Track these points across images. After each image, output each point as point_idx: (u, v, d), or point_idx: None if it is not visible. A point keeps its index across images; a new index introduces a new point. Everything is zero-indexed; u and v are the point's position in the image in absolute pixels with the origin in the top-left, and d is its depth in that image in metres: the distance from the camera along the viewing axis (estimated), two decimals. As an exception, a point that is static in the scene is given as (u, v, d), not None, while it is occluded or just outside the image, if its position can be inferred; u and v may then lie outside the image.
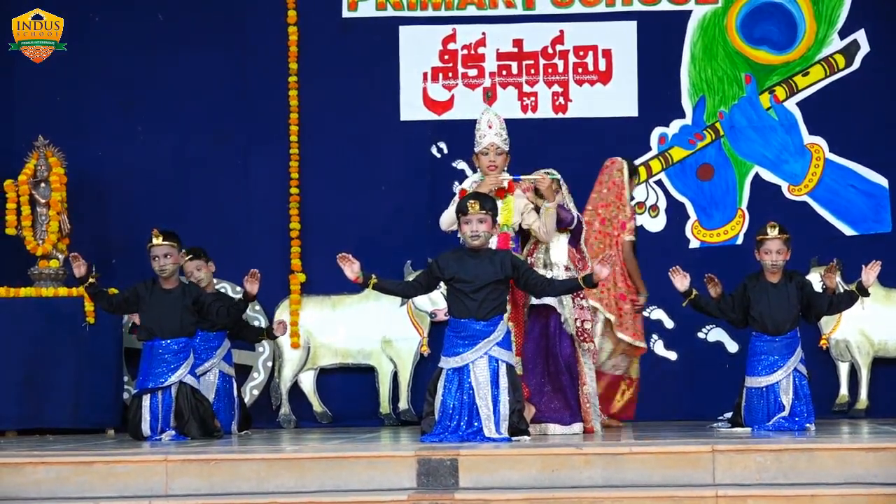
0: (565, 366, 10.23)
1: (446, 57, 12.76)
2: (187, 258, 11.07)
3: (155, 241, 10.48)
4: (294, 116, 12.71)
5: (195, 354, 10.63)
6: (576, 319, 10.35)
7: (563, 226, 10.29)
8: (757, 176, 12.52)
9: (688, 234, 12.54)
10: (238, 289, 11.84)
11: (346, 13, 12.80)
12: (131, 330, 11.66)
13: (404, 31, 12.77)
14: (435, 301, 11.63)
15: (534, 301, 10.12)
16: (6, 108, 12.76)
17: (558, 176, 10.36)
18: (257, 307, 12.05)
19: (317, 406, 12.44)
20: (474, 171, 10.53)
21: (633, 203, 11.46)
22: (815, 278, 11.01)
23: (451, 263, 9.49)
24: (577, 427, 10.16)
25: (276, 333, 11.47)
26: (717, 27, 12.63)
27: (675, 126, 12.61)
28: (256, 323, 12.19)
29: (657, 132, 12.60)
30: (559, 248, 10.32)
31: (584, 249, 10.54)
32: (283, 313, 12.42)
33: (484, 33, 12.75)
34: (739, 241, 12.36)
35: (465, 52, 12.75)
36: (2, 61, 12.75)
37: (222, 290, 12.05)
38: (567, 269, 10.27)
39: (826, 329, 12.00)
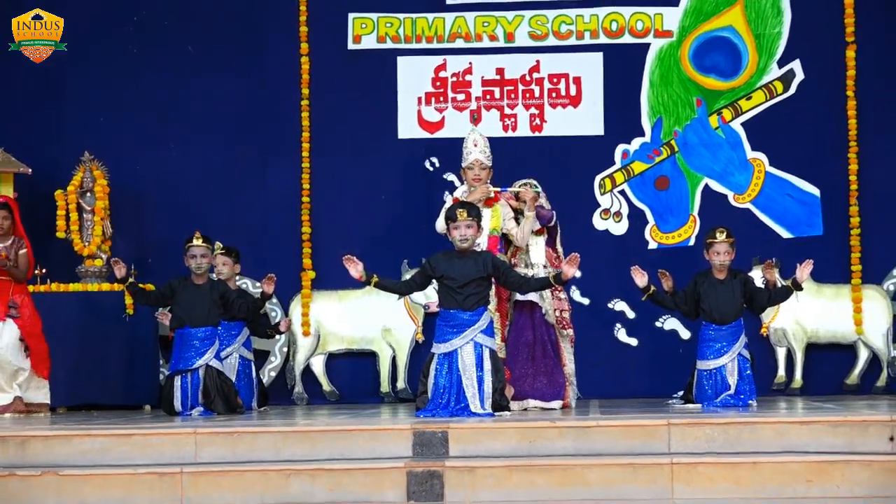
0: (550, 351, 10.29)
1: (438, 83, 12.75)
2: (220, 252, 11.09)
3: (195, 241, 10.53)
4: (306, 135, 12.71)
5: (219, 341, 10.67)
6: (555, 310, 10.40)
7: (545, 222, 10.35)
8: (707, 186, 12.52)
9: (647, 236, 12.54)
10: (257, 285, 11.84)
11: (350, 45, 12.80)
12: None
13: (401, 61, 12.77)
14: (428, 295, 11.62)
15: (518, 297, 10.19)
16: (56, 128, 12.76)
17: (539, 189, 10.43)
18: (274, 300, 12.05)
19: (326, 386, 12.46)
20: (462, 182, 10.56)
21: None
22: (756, 275, 11.02)
23: (441, 263, 9.57)
24: (556, 404, 10.20)
25: (281, 329, 11.52)
26: (672, 57, 12.64)
27: (636, 143, 12.60)
28: (273, 314, 12.22)
29: (620, 148, 12.60)
30: (537, 249, 10.39)
31: (560, 249, 10.57)
32: (296, 306, 12.44)
33: (470, 63, 12.74)
34: (691, 242, 12.37)
35: (455, 79, 12.75)
36: (53, 86, 12.78)
37: (243, 286, 12.08)
38: (545, 267, 10.31)
39: (766, 319, 12.02)
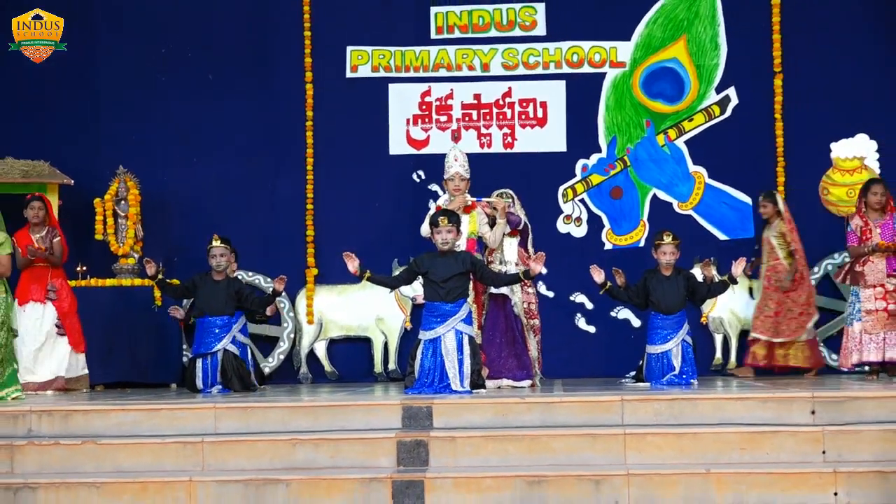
0: (519, 338, 10.29)
1: (424, 107, 12.75)
2: (225, 247, 10.90)
3: (214, 243, 10.56)
4: (310, 150, 12.71)
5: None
6: (524, 302, 10.40)
7: (514, 226, 10.37)
8: (654, 196, 12.54)
9: (603, 238, 12.55)
10: (269, 280, 11.84)
11: (349, 74, 12.79)
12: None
13: (392, 88, 12.76)
14: (415, 289, 11.63)
15: (493, 290, 10.20)
16: (94, 144, 12.74)
17: (509, 201, 10.44)
18: (283, 294, 12.00)
19: (327, 367, 12.45)
20: (444, 192, 10.56)
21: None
22: (697, 272, 11.04)
23: (426, 261, 9.59)
24: (526, 383, 10.19)
25: (268, 314, 11.19)
26: (625, 85, 12.66)
27: (594, 158, 12.62)
28: (282, 305, 12.19)
29: (580, 163, 12.61)
30: (511, 249, 10.39)
31: (531, 249, 10.58)
32: (301, 299, 12.44)
33: (452, 89, 12.74)
34: (641, 244, 12.38)
35: (438, 103, 12.75)
36: (92, 109, 12.77)
37: (255, 282, 12.09)
38: (517, 264, 10.31)
39: (706, 309, 12.04)
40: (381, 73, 12.77)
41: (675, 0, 12.66)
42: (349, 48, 12.82)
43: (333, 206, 12.68)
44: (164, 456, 8.02)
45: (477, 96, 12.74)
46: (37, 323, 10.78)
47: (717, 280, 10.50)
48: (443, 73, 12.76)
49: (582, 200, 12.60)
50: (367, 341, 12.48)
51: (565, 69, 12.69)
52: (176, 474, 7.84)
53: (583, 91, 12.64)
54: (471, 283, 9.77)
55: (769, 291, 11.41)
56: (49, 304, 10.83)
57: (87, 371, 11.06)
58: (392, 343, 12.36)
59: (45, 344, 10.83)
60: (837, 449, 7.78)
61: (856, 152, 12.36)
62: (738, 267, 10.08)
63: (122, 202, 12.20)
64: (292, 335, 12.50)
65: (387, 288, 10.73)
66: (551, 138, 12.66)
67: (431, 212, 10.02)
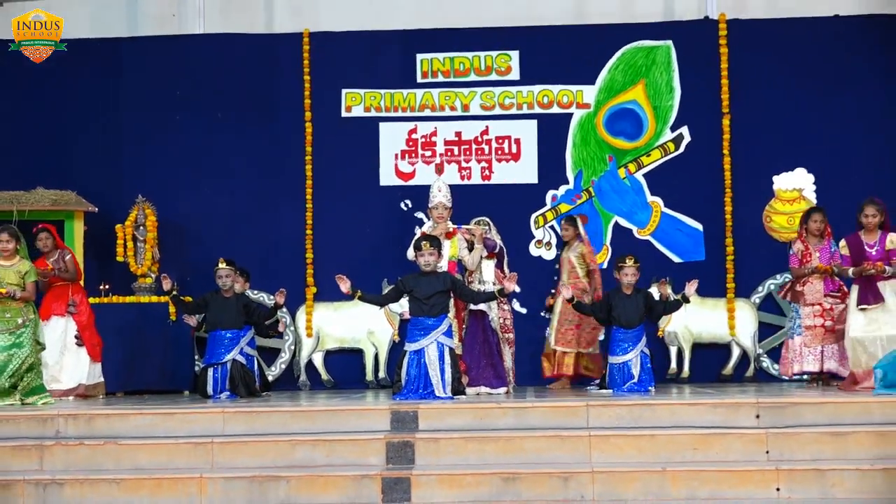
0: (496, 349, 10.28)
1: (410, 143, 12.77)
2: (230, 268, 10.81)
3: (220, 265, 10.52)
4: (309, 182, 12.70)
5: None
6: (500, 318, 10.40)
7: (490, 251, 10.39)
8: (616, 223, 12.55)
9: (571, 261, 12.56)
10: (271, 297, 11.81)
11: (343, 114, 12.81)
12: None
13: (382, 126, 12.77)
14: (402, 305, 11.62)
15: (472, 307, 10.19)
16: (117, 176, 12.71)
17: (486, 228, 10.47)
18: (284, 309, 11.96)
19: (324, 375, 12.43)
20: (429, 220, 10.57)
21: None
22: (654, 291, 11.04)
23: (411, 281, 9.59)
24: (502, 390, 10.18)
25: (279, 329, 11.23)
26: (590, 124, 12.68)
27: (562, 190, 12.63)
28: (284, 319, 12.17)
29: (550, 193, 12.63)
30: (488, 270, 10.40)
31: (507, 270, 10.58)
32: (301, 314, 12.43)
33: (436, 127, 12.75)
34: (605, 266, 12.35)
35: (423, 139, 12.77)
36: (115, 143, 12.77)
37: (260, 299, 12.07)
38: (494, 284, 10.31)
39: (662, 324, 12.03)
40: (373, 113, 12.78)
41: (635, 49, 12.72)
42: (344, 91, 12.83)
43: (330, 231, 12.68)
44: (178, 455, 7.99)
45: (458, 134, 12.76)
46: (60, 336, 10.77)
47: (671, 298, 10.53)
48: (428, 112, 12.77)
49: (552, 227, 12.60)
50: (359, 352, 12.46)
51: (537, 110, 12.72)
52: (188, 471, 7.82)
53: (552, 129, 12.66)
54: (451, 300, 9.77)
55: (569, 307, 11.06)
56: (70, 318, 10.82)
57: (102, 379, 11.03)
58: (382, 354, 12.34)
59: (67, 354, 10.81)
60: (779, 449, 7.79)
61: (795, 184, 12.41)
62: (691, 287, 10.10)
63: (141, 227, 12.19)
64: (293, 347, 12.48)
65: (376, 305, 10.75)
66: (524, 171, 12.67)
67: (417, 237, 10.03)
